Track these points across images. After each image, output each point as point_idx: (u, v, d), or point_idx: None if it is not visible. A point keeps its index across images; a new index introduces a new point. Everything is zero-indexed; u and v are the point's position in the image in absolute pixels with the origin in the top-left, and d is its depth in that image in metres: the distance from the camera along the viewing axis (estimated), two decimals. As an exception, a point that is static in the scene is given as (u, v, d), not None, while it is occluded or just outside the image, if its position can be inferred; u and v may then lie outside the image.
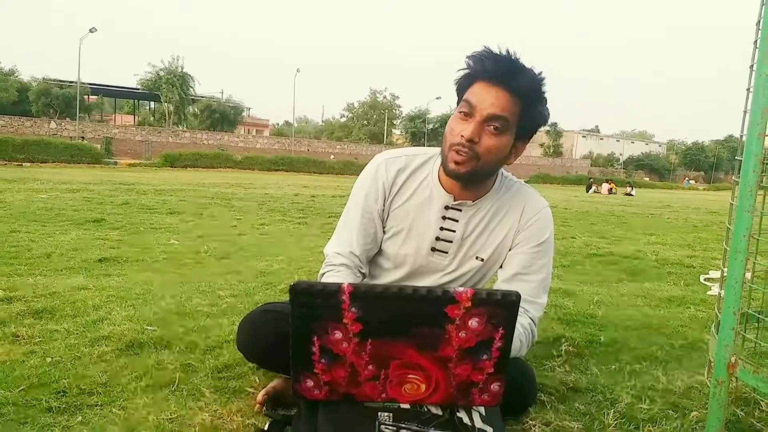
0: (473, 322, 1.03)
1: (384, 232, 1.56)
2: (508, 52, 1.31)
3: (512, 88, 1.30)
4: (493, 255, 1.52)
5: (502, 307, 1.02)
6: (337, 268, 1.49)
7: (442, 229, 1.50)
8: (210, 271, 3.31)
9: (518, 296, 1.02)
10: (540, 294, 1.49)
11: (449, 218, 1.49)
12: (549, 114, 1.39)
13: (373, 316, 1.03)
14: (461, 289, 1.01)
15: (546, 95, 1.36)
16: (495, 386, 1.11)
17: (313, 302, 1.02)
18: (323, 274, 1.50)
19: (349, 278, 1.45)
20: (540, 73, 1.33)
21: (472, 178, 1.39)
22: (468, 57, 1.35)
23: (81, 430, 1.34)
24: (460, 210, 1.49)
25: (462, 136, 1.32)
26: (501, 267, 1.53)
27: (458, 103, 1.39)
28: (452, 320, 1.02)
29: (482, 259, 1.52)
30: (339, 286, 1.00)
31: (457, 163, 1.35)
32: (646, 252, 5.02)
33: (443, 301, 1.01)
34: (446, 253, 1.52)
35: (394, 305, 1.02)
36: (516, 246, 1.50)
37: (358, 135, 58.10)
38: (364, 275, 1.57)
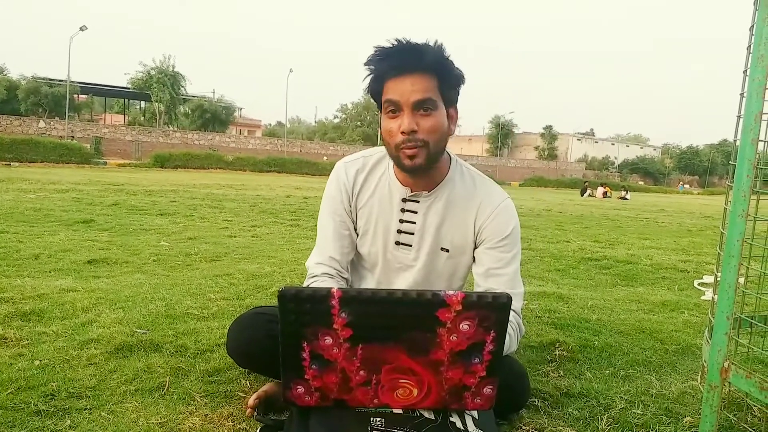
0: (464, 326, 1.02)
1: (357, 234, 1.58)
2: (399, 41, 1.34)
3: (423, 68, 1.34)
4: (457, 246, 1.54)
5: (494, 310, 1.02)
6: (320, 278, 1.52)
7: (402, 221, 1.53)
8: (200, 274, 3.28)
9: (509, 298, 1.02)
10: (516, 284, 1.51)
11: (408, 210, 1.52)
12: (462, 72, 1.41)
13: (363, 320, 1.02)
14: (452, 292, 1.00)
15: (451, 58, 1.38)
16: (487, 389, 1.11)
17: (302, 308, 1.01)
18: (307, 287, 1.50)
19: (334, 286, 1.44)
20: (436, 41, 1.36)
21: (429, 165, 1.41)
22: (367, 63, 1.38)
23: (69, 435, 1.32)
24: (418, 201, 1.51)
25: (402, 132, 1.34)
26: (474, 263, 1.55)
27: (380, 107, 1.42)
28: (443, 324, 1.02)
29: (447, 250, 1.54)
30: (328, 290, 1.00)
31: (411, 158, 1.37)
32: (641, 256, 5.04)
33: (434, 304, 1.01)
34: (410, 246, 1.54)
35: (384, 309, 1.02)
36: (482, 243, 1.52)
37: (352, 136, 58.12)
38: (346, 281, 1.59)
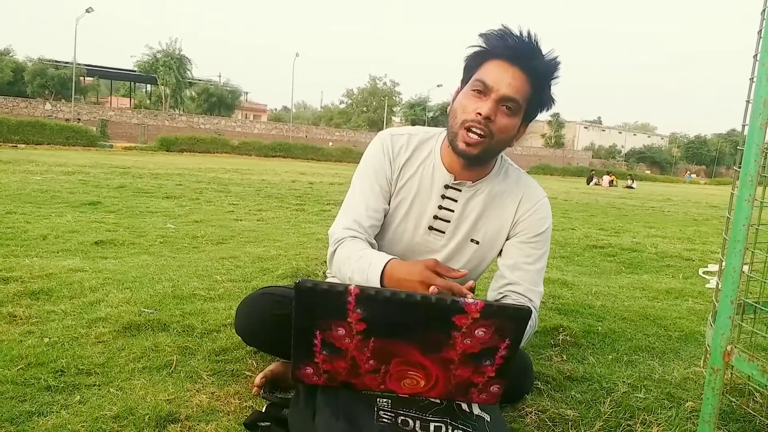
0: (480, 332, 1.02)
1: (388, 206, 1.54)
2: (529, 33, 1.31)
3: (529, 70, 1.30)
4: (489, 239, 1.52)
5: (512, 321, 1.01)
6: (347, 239, 1.43)
7: (440, 208, 1.50)
8: (207, 256, 3.30)
9: (530, 312, 1.02)
10: (539, 282, 1.49)
11: (448, 198, 1.49)
12: (555, 100, 1.39)
13: (378, 318, 1.02)
14: (471, 300, 0.99)
15: (557, 80, 1.35)
16: (494, 388, 1.11)
17: (317, 301, 1.01)
18: (334, 251, 1.44)
19: (364, 246, 1.40)
20: (556, 58, 1.33)
21: (481, 158, 1.38)
22: (483, 35, 1.34)
23: (79, 409, 1.34)
24: (460, 190, 1.48)
25: (479, 113, 1.31)
26: (500, 255, 1.53)
27: (465, 79, 1.38)
28: (459, 328, 1.01)
29: (477, 242, 1.52)
30: (345, 287, 0.99)
31: (469, 144, 1.34)
32: (646, 244, 5.04)
33: (452, 310, 1.00)
34: (443, 233, 1.51)
35: (400, 310, 1.01)
36: (515, 236, 1.50)
37: (357, 122, 57.96)
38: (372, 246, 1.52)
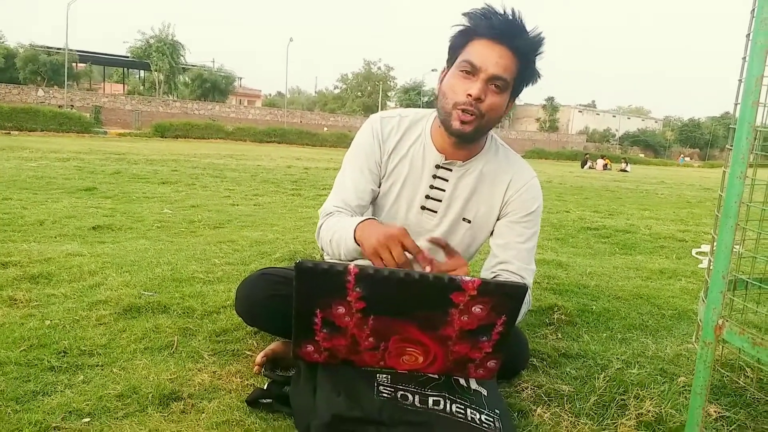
0: (477, 309, 1.04)
1: (380, 188, 1.56)
2: (513, 11, 1.32)
3: (515, 48, 1.32)
4: (480, 218, 1.54)
5: (509, 298, 1.04)
6: (335, 214, 1.47)
7: (432, 187, 1.52)
8: (204, 240, 3.31)
9: (525, 289, 1.04)
10: (531, 261, 1.52)
11: (439, 177, 1.51)
12: (540, 74, 1.41)
13: (377, 296, 1.04)
14: (468, 278, 1.01)
15: (542, 54, 1.37)
16: (491, 363, 1.14)
17: (317, 281, 1.03)
18: (321, 225, 1.47)
19: (347, 218, 1.43)
20: (540, 34, 1.35)
21: (474, 136, 1.40)
22: (466, 14, 1.35)
23: (83, 388, 1.37)
24: (451, 170, 1.51)
25: (469, 94, 1.33)
26: (492, 236, 1.56)
27: (451, 59, 1.40)
28: (456, 305, 1.04)
29: (469, 221, 1.54)
30: (345, 266, 1.01)
31: (463, 122, 1.35)
32: (639, 226, 5.07)
33: (449, 288, 1.02)
34: (435, 212, 1.54)
35: (399, 289, 1.03)
36: (505, 216, 1.53)
37: (352, 107, 57.72)
38: None
